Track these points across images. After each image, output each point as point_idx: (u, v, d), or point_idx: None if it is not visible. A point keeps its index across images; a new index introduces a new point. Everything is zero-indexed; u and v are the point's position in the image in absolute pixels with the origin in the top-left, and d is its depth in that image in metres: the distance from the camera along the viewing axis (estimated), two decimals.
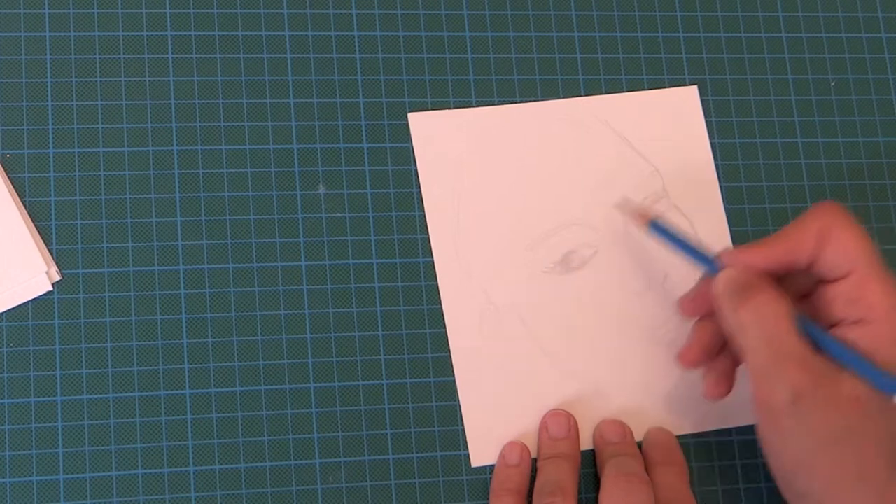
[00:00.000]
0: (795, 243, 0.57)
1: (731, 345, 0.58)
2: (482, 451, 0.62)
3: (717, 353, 0.60)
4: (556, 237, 0.65)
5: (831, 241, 0.56)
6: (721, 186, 0.67)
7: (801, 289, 0.59)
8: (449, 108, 0.66)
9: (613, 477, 0.59)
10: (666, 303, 0.65)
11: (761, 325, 0.56)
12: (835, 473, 0.55)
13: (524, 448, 0.62)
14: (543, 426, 0.62)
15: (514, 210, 0.65)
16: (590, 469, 0.63)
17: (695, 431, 0.64)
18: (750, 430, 0.65)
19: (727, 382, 0.60)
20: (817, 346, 0.56)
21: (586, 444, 0.63)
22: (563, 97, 0.67)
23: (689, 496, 0.60)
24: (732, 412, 0.64)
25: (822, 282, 0.57)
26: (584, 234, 0.65)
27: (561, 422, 0.62)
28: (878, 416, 0.55)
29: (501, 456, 0.62)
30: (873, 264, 0.56)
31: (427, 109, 0.66)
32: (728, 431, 0.64)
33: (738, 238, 0.67)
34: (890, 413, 0.54)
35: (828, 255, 0.56)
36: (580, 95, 0.67)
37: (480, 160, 0.65)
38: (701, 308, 0.60)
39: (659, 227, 0.62)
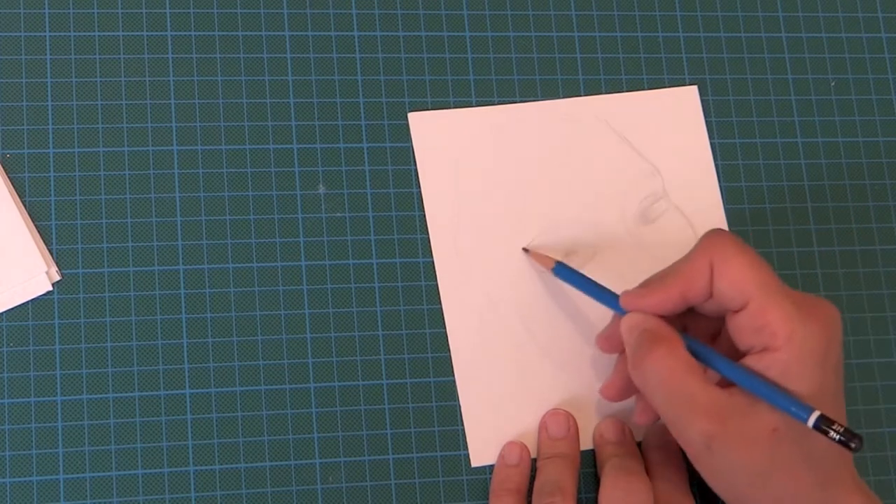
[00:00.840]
0: (688, 281, 0.56)
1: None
2: (482, 451, 0.62)
3: None
4: (555, 236, 0.65)
5: (722, 273, 0.56)
6: (721, 186, 0.67)
7: (720, 313, 0.58)
8: (449, 108, 0.66)
9: (613, 476, 0.59)
10: None
11: (661, 381, 0.56)
12: (773, 502, 0.55)
13: (524, 448, 0.62)
14: (543, 426, 0.62)
15: (515, 210, 0.65)
16: (590, 469, 0.63)
17: None
18: None
19: (654, 411, 0.60)
20: (729, 380, 0.56)
21: (586, 444, 0.63)
22: (563, 97, 0.67)
23: (689, 496, 0.60)
24: None
25: (730, 311, 0.57)
26: (584, 233, 0.65)
27: (560, 421, 0.62)
28: (799, 441, 0.54)
29: (501, 456, 0.62)
30: (769, 290, 0.55)
31: (427, 109, 0.66)
32: None
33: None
34: (811, 436, 0.54)
35: (721, 288, 0.56)
36: (580, 95, 0.67)
37: (480, 160, 0.65)
38: (617, 346, 0.60)
39: (563, 270, 0.62)
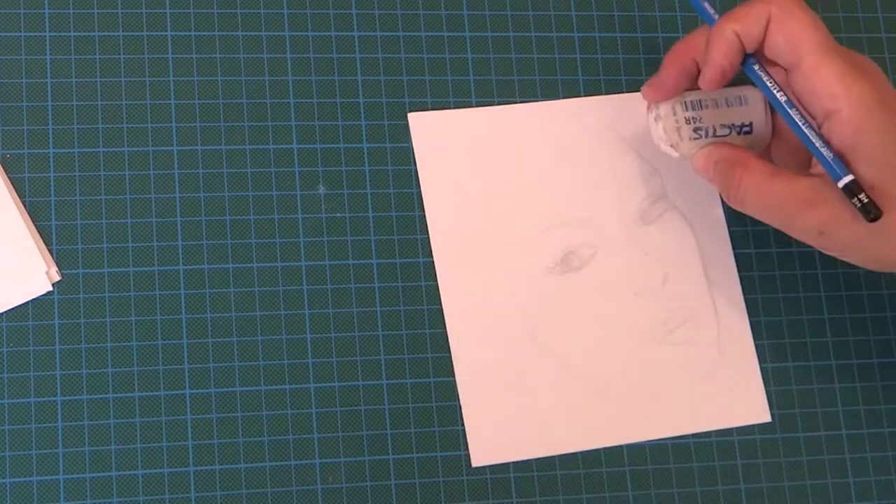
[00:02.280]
0: (743, 25, 0.58)
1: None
2: (482, 451, 0.62)
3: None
4: (555, 236, 0.65)
5: (779, 28, 0.57)
6: None
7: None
8: (449, 108, 0.66)
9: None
10: (666, 303, 0.65)
11: (755, 201, 0.59)
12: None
13: None
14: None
15: (514, 210, 0.65)
16: (593, 469, 0.63)
17: (695, 431, 0.64)
18: (751, 429, 0.65)
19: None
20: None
21: (590, 443, 0.63)
22: (563, 97, 0.67)
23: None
24: (733, 412, 0.64)
25: (784, 68, 0.58)
26: (583, 233, 0.65)
27: None
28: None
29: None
30: (822, 50, 0.56)
31: (427, 109, 0.66)
32: (728, 431, 0.65)
33: (738, 238, 0.67)
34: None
35: (777, 42, 0.57)
36: (580, 95, 0.67)
37: (480, 160, 0.65)
38: (678, 78, 0.62)
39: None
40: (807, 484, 0.65)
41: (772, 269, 0.66)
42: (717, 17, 0.60)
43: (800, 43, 0.57)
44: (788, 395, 0.66)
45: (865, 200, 0.56)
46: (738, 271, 0.66)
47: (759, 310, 0.66)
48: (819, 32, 0.57)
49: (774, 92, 0.59)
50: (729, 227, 0.67)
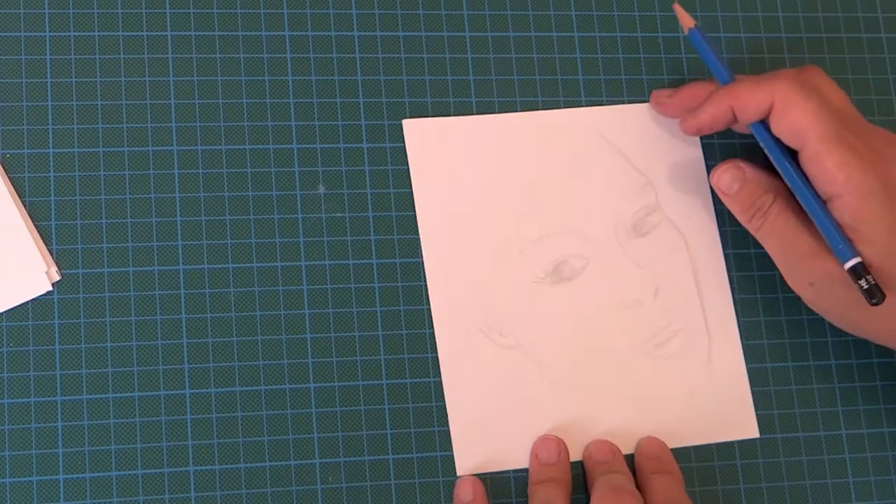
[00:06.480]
0: (742, 106, 0.60)
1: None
2: (467, 459, 0.62)
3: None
4: (547, 246, 0.64)
5: (782, 118, 0.59)
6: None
7: None
8: (449, 109, 0.66)
9: (602, 492, 0.59)
10: (657, 315, 0.65)
11: (776, 243, 0.61)
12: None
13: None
14: (534, 452, 0.62)
15: (507, 220, 0.65)
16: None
17: (681, 446, 0.64)
18: None
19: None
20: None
21: (577, 455, 0.63)
22: (563, 97, 0.67)
23: (687, 500, 0.60)
24: (721, 427, 0.64)
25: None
26: (575, 244, 0.65)
27: (551, 448, 0.62)
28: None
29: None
30: (825, 139, 0.58)
31: (427, 109, 0.66)
32: None
33: (737, 238, 0.66)
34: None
35: (780, 130, 0.59)
36: (580, 95, 0.67)
37: (474, 168, 0.65)
38: (679, 110, 0.64)
39: (696, 37, 0.64)
40: (806, 484, 0.65)
41: (771, 269, 0.66)
42: (726, 73, 0.62)
43: (803, 132, 0.59)
44: (788, 394, 0.66)
45: (871, 283, 0.58)
46: (737, 270, 0.66)
47: (758, 310, 0.66)
48: (822, 122, 0.58)
49: (789, 167, 0.61)
50: (726, 226, 0.67)
